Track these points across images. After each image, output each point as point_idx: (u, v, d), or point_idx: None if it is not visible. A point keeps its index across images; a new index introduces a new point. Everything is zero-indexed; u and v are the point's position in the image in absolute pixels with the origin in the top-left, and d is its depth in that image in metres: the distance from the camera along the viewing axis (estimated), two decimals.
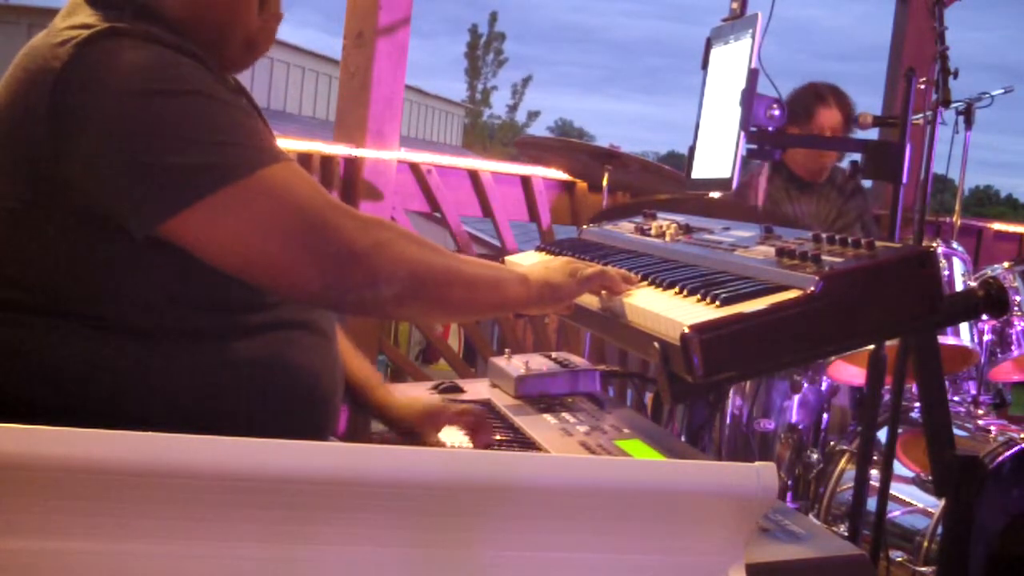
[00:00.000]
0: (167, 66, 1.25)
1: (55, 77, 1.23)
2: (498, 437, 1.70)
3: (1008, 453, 2.37)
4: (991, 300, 1.63)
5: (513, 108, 36.20)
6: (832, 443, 2.79)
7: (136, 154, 1.22)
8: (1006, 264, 2.84)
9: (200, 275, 1.28)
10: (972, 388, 2.85)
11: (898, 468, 2.43)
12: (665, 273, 1.57)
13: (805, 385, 2.79)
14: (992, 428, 2.56)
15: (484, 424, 1.72)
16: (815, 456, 2.74)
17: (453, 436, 1.72)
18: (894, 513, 2.48)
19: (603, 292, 1.59)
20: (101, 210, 1.24)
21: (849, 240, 1.48)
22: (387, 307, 1.36)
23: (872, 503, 2.22)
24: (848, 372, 2.79)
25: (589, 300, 1.63)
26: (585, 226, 2.20)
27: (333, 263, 1.28)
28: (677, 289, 1.48)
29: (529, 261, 1.96)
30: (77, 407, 1.26)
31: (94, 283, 1.27)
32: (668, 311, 1.39)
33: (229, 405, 1.32)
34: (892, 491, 2.27)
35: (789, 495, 2.76)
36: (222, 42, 1.40)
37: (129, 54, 1.24)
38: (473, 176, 3.87)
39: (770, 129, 1.80)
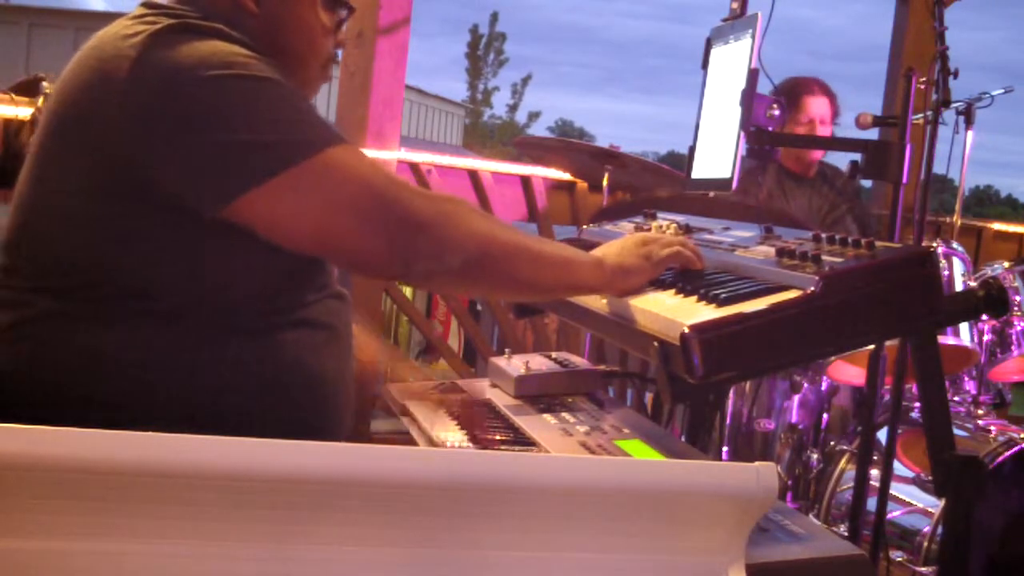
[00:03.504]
0: (236, 54, 1.30)
1: (130, 63, 1.27)
2: (498, 437, 1.70)
3: (1008, 453, 2.37)
4: (991, 300, 1.63)
5: (513, 108, 36.20)
6: (832, 443, 2.78)
7: (210, 133, 1.26)
8: (1006, 264, 2.84)
9: (248, 267, 1.32)
10: (972, 388, 2.85)
11: (898, 468, 2.43)
12: (665, 273, 1.57)
13: (805, 385, 2.79)
14: (992, 428, 2.56)
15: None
16: (815, 456, 2.74)
17: (453, 436, 1.72)
18: (894, 513, 2.48)
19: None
20: (171, 192, 1.26)
21: (849, 240, 1.48)
22: (454, 278, 1.39)
23: (872, 503, 2.21)
24: (848, 372, 2.79)
25: (590, 300, 1.63)
26: (585, 226, 2.20)
27: (400, 233, 1.31)
28: (677, 289, 1.48)
29: None
30: (109, 393, 1.27)
31: (146, 269, 1.29)
32: (668, 311, 1.39)
33: (237, 402, 1.33)
34: (892, 491, 2.27)
35: (789, 495, 2.75)
36: (298, 65, 1.46)
37: (200, 44, 1.29)
38: (473, 176, 3.87)
39: (770, 129, 1.80)
